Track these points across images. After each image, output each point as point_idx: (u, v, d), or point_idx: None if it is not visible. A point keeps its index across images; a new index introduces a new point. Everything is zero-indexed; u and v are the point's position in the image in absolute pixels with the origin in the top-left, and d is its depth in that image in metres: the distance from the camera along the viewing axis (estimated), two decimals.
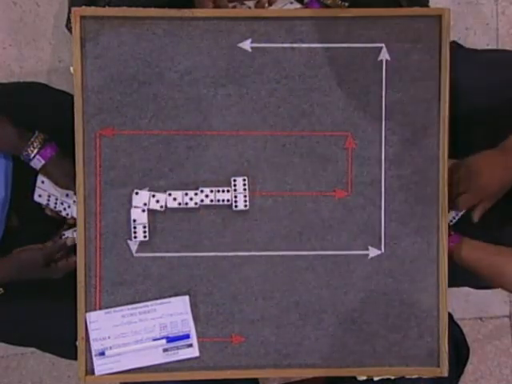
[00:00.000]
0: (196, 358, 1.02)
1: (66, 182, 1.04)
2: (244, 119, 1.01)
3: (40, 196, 1.08)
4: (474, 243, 1.04)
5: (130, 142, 1.01)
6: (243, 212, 1.01)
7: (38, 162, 1.02)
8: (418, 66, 1.01)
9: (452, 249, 1.03)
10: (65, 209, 1.09)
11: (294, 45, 1.00)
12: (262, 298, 1.02)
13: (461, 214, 1.10)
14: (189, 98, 1.00)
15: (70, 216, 1.09)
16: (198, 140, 1.01)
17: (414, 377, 1.04)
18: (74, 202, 1.06)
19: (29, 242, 1.05)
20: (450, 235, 1.03)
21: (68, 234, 1.08)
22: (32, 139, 1.01)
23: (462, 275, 1.05)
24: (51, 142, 1.03)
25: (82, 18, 0.98)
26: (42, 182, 1.08)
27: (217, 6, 1.01)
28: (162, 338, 1.01)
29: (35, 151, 1.01)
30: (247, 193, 1.00)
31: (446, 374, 1.03)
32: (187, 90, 1.00)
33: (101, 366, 1.00)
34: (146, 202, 1.00)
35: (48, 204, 1.08)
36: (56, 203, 1.08)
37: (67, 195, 1.08)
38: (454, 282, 1.04)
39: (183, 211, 1.01)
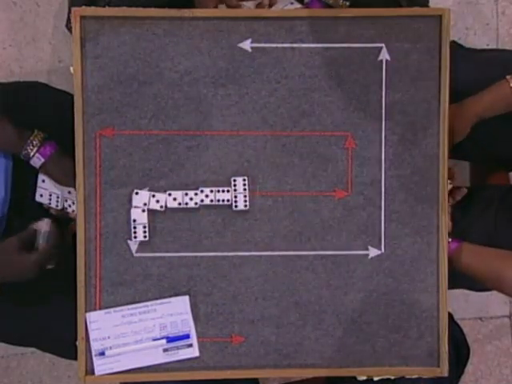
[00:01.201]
0: (196, 357, 1.02)
1: (67, 179, 1.04)
2: (244, 119, 1.01)
3: (41, 196, 1.08)
4: (472, 248, 1.04)
5: (130, 141, 1.01)
6: (243, 212, 1.01)
7: (37, 161, 1.02)
8: (417, 66, 1.01)
9: (451, 254, 1.03)
10: (70, 205, 1.08)
11: (294, 45, 1.00)
12: (262, 298, 1.03)
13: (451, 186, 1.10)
14: (189, 98, 1.01)
15: (75, 212, 1.08)
16: (198, 140, 1.01)
17: (414, 377, 1.04)
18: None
19: None
20: (448, 242, 1.03)
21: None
22: (31, 138, 1.01)
23: (461, 278, 1.05)
24: (50, 141, 1.03)
25: (82, 17, 0.98)
26: (43, 181, 1.07)
27: (228, 5, 1.01)
28: (162, 338, 1.01)
29: (34, 150, 1.01)
30: (247, 193, 1.01)
31: (446, 374, 1.03)
32: (187, 90, 1.00)
33: (101, 366, 1.00)
34: (146, 202, 1.00)
35: (50, 203, 1.08)
36: (58, 201, 1.08)
37: (69, 192, 1.07)
38: (453, 284, 1.04)
39: (183, 211, 1.01)
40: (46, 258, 1.02)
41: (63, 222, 1.08)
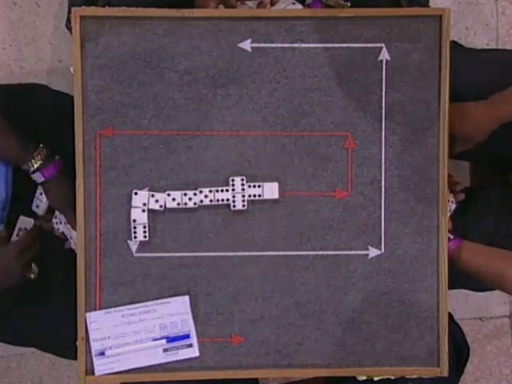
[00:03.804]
0: (196, 358, 1.02)
1: (60, 205, 1.05)
2: (244, 119, 1.01)
3: (38, 207, 1.09)
4: (473, 246, 1.04)
5: (130, 142, 1.01)
6: (243, 212, 1.01)
7: (38, 178, 1.02)
8: (417, 66, 1.01)
9: (452, 252, 1.03)
10: (56, 223, 1.09)
11: (294, 45, 1.00)
12: (261, 298, 1.02)
13: (455, 205, 1.11)
14: (189, 98, 1.00)
15: (60, 231, 1.10)
16: (197, 140, 1.01)
17: (413, 377, 1.04)
18: (66, 222, 1.07)
19: None
20: (449, 239, 1.03)
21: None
22: (34, 153, 1.01)
23: (461, 278, 1.05)
24: (54, 159, 1.03)
25: (82, 17, 0.98)
26: (41, 194, 1.08)
27: (226, 5, 1.01)
28: (162, 338, 1.01)
29: (35, 166, 1.01)
30: (246, 192, 1.00)
31: (446, 374, 1.03)
32: (187, 90, 1.00)
33: (101, 366, 1.00)
34: (146, 202, 1.00)
35: (44, 216, 1.10)
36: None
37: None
38: (453, 284, 1.04)
39: (183, 211, 1.01)
40: (24, 250, 0.99)
41: (46, 235, 1.09)
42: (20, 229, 1.08)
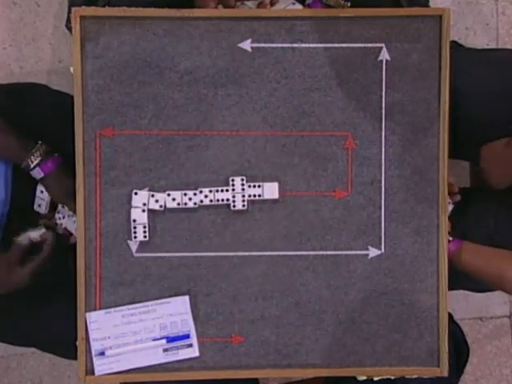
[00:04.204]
0: (196, 358, 1.02)
1: (63, 197, 1.05)
2: (244, 119, 1.01)
3: (39, 206, 1.09)
4: (473, 248, 1.04)
5: (130, 142, 1.01)
6: (243, 212, 1.01)
7: (37, 174, 1.02)
8: (417, 66, 1.01)
9: (452, 254, 1.03)
10: (59, 218, 1.10)
11: (294, 45, 1.00)
12: (261, 298, 1.02)
13: (452, 206, 1.11)
14: (189, 98, 1.00)
15: (63, 226, 1.10)
16: (197, 140, 1.01)
17: (413, 377, 1.04)
18: (69, 216, 1.07)
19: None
20: (449, 241, 1.03)
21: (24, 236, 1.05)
22: (33, 150, 1.01)
23: (461, 279, 1.05)
24: (53, 155, 1.03)
25: (82, 18, 0.98)
26: (42, 192, 1.08)
27: (225, 5, 1.01)
28: (162, 338, 1.01)
29: (35, 162, 1.01)
30: (245, 192, 1.00)
31: (446, 374, 1.03)
32: (187, 90, 1.00)
33: (101, 366, 1.00)
34: (146, 202, 1.00)
35: (47, 214, 1.10)
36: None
37: (63, 206, 1.08)
38: (453, 285, 1.04)
39: (183, 211, 1.01)
40: (41, 267, 1.02)
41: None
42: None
